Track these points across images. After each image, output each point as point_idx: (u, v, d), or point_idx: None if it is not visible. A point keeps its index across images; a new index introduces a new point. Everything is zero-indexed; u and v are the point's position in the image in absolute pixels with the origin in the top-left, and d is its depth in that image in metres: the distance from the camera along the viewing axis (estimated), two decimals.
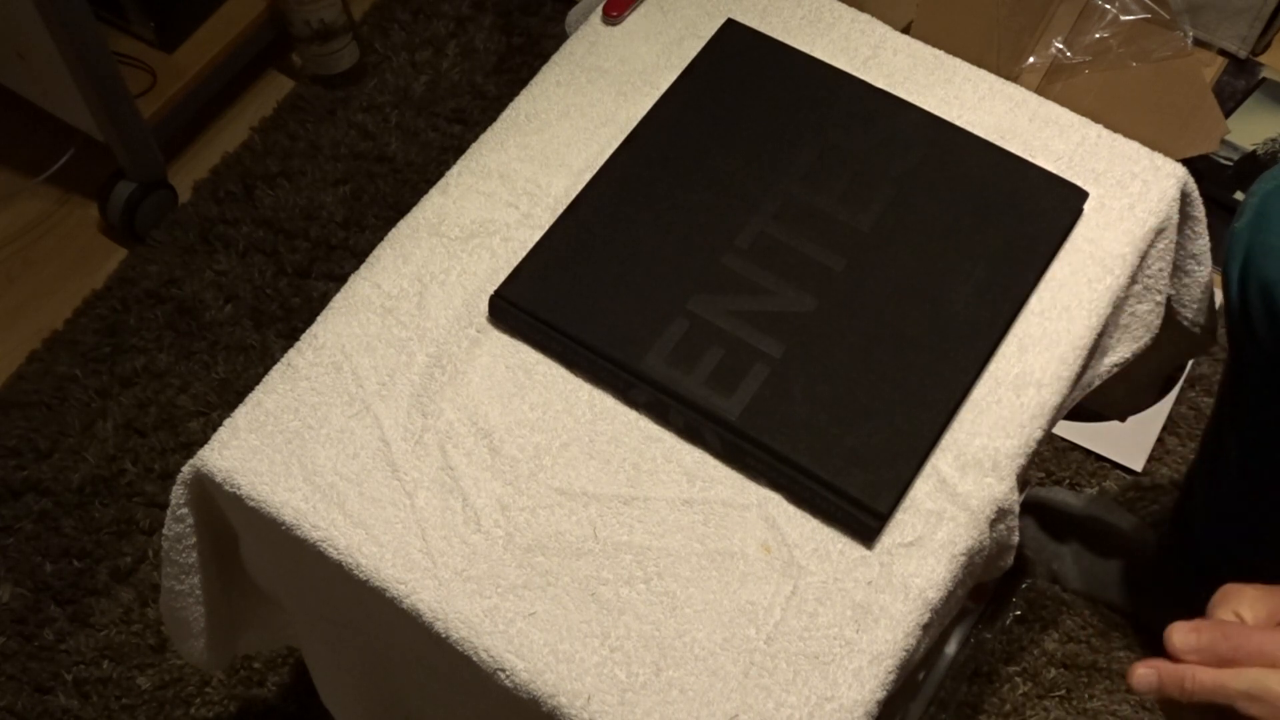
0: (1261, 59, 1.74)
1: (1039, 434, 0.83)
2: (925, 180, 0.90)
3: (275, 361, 0.87)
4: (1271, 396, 0.99)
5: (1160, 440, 1.45)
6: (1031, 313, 0.87)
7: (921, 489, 0.80)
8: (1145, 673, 0.65)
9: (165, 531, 0.87)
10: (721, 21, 0.98)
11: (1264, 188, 0.96)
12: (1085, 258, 0.89)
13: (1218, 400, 1.11)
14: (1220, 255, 0.96)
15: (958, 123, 0.93)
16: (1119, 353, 0.92)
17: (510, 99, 0.98)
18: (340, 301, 0.89)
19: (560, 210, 0.90)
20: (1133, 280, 0.90)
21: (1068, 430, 1.45)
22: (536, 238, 0.89)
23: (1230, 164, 1.63)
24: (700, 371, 0.82)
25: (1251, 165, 1.63)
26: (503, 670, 0.75)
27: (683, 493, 0.81)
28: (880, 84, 0.95)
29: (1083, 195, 0.90)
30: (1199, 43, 1.72)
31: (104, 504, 1.44)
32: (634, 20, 1.01)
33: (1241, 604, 0.66)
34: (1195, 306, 0.98)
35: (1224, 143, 1.64)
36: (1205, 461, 1.16)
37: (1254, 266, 0.94)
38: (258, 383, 0.86)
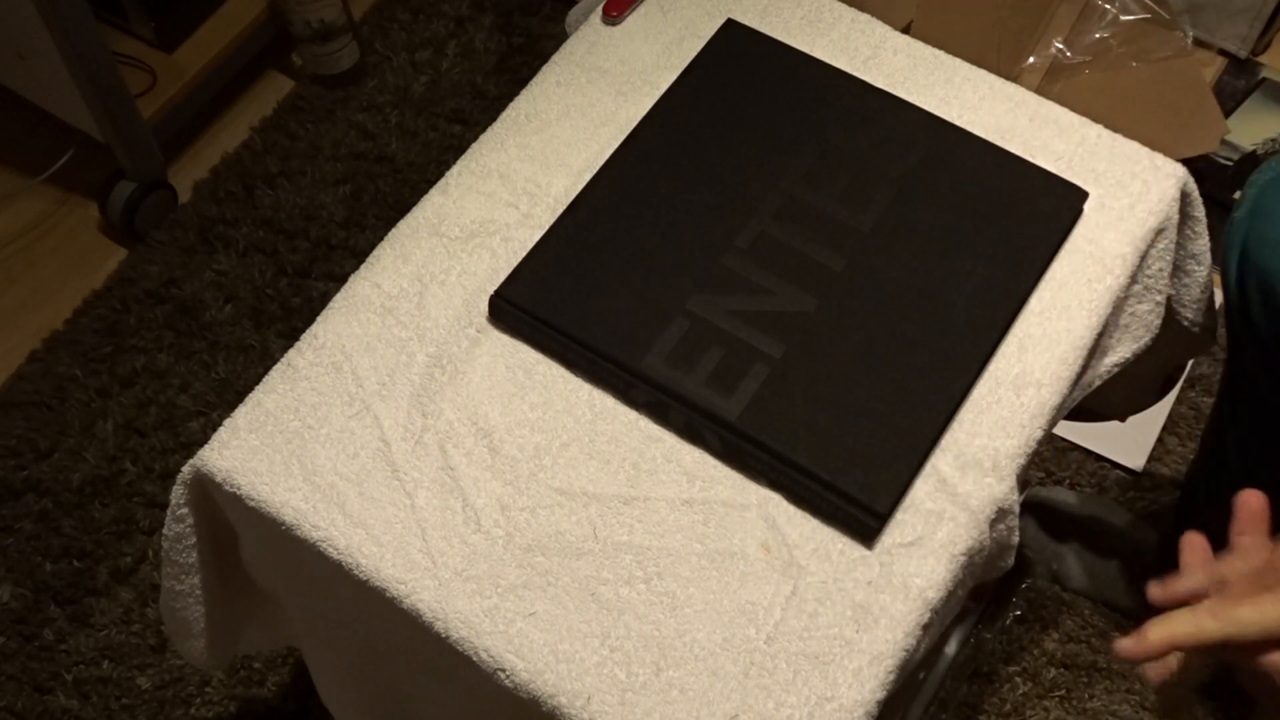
0: (1261, 59, 1.74)
1: (1039, 434, 0.83)
2: (925, 180, 0.90)
3: (275, 361, 0.87)
4: (1271, 388, 0.99)
5: (1160, 440, 1.45)
6: (1031, 313, 0.87)
7: (921, 489, 0.80)
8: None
9: (165, 531, 0.87)
10: (721, 21, 0.98)
11: (1263, 178, 0.96)
12: (1085, 258, 0.89)
13: (1218, 395, 1.11)
14: (1219, 245, 0.96)
15: (958, 123, 0.93)
16: (1119, 353, 0.92)
17: (510, 99, 0.98)
18: (340, 301, 0.89)
19: (560, 210, 0.90)
20: (1133, 280, 0.90)
21: (1068, 430, 1.45)
22: (536, 238, 0.89)
23: (1230, 164, 1.63)
24: (700, 371, 0.82)
25: (1251, 165, 1.62)
26: (503, 670, 0.75)
27: (683, 493, 0.81)
28: (880, 84, 0.95)
29: (1083, 195, 0.90)
30: (1199, 43, 1.72)
31: (104, 504, 1.44)
32: (634, 20, 1.01)
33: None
34: (1195, 306, 0.98)
35: (1224, 143, 1.64)
36: (1205, 457, 1.16)
37: (1251, 257, 0.94)
38: (258, 383, 0.86)
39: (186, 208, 1.66)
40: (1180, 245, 0.95)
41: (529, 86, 0.98)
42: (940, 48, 0.99)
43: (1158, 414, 1.46)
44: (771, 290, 0.86)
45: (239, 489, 0.81)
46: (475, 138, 0.96)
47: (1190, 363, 1.47)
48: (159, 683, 1.34)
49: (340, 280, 0.98)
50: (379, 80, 1.76)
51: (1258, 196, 0.95)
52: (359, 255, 1.55)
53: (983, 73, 0.97)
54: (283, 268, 1.60)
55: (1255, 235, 0.94)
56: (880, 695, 0.75)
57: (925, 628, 0.77)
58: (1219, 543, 1.16)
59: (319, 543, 0.79)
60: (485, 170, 0.93)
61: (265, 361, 1.53)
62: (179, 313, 1.57)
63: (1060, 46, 1.04)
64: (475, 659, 0.76)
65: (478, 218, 0.91)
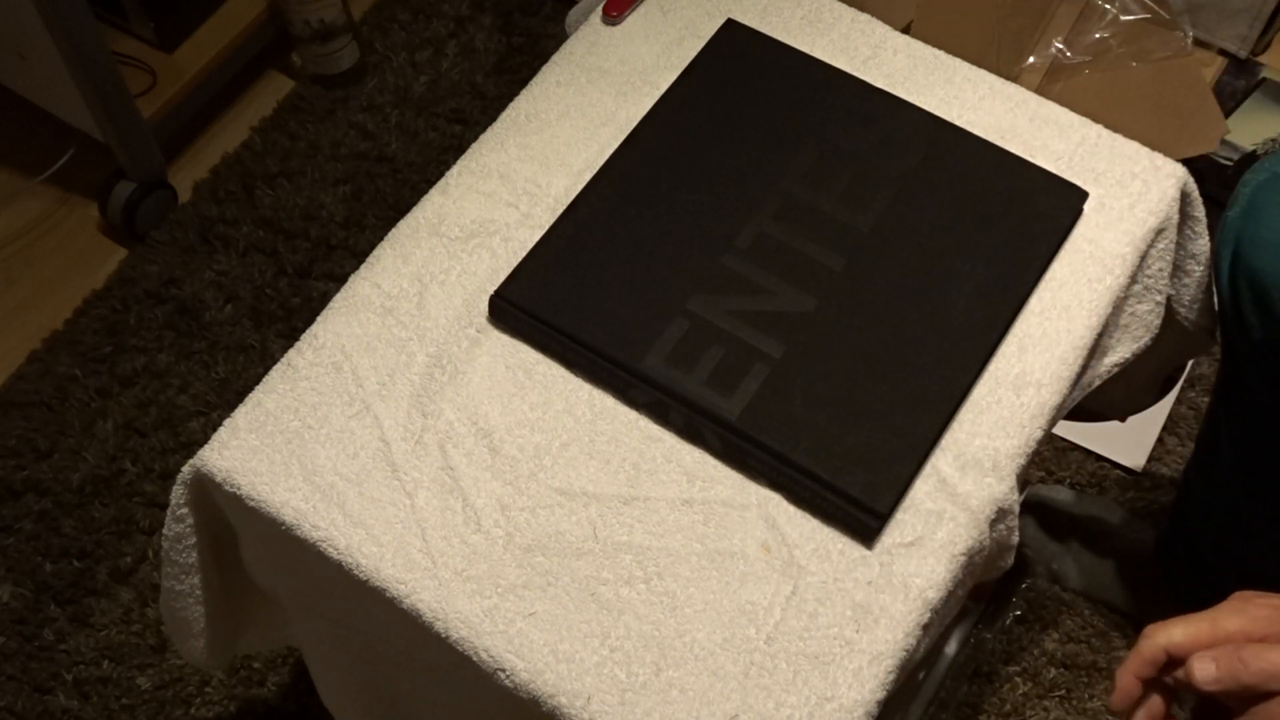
0: (1261, 59, 1.74)
1: (1039, 434, 0.83)
2: (925, 180, 0.90)
3: (275, 361, 0.87)
4: (1264, 388, 0.99)
5: (1160, 440, 1.45)
6: (1031, 313, 0.87)
7: (921, 489, 0.80)
8: (1205, 666, 0.64)
9: (165, 531, 0.87)
10: (721, 21, 0.98)
11: (1256, 178, 0.96)
12: (1085, 258, 0.89)
13: (1212, 395, 1.11)
14: (1213, 243, 0.96)
15: (958, 123, 0.93)
16: (1119, 353, 0.92)
17: (510, 99, 0.98)
18: (340, 301, 0.89)
19: (560, 210, 0.90)
20: (1133, 280, 0.90)
21: (1068, 430, 1.45)
22: (536, 238, 0.89)
23: (1230, 164, 1.63)
24: (700, 371, 0.82)
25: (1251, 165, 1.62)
26: (503, 670, 0.75)
27: (683, 493, 0.81)
28: (880, 84, 0.95)
29: (1083, 195, 0.90)
30: (1199, 43, 1.71)
31: (104, 504, 1.44)
32: (634, 20, 1.01)
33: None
34: (1195, 306, 0.98)
35: (1224, 143, 1.64)
36: (1201, 458, 1.16)
37: (1243, 257, 0.94)
38: (258, 383, 0.86)
39: (186, 208, 1.66)
40: (1180, 245, 0.95)
41: (529, 86, 0.98)
42: (940, 48, 0.99)
43: (1158, 414, 1.46)
44: (771, 290, 0.86)
45: (239, 489, 0.81)
46: (475, 138, 0.96)
47: (1190, 363, 1.47)
48: (159, 683, 1.34)
49: (340, 280, 0.98)
50: (379, 80, 1.76)
51: (1251, 197, 0.95)
52: (359, 255, 1.55)
53: (983, 73, 0.98)
54: (283, 268, 1.60)
55: (1247, 236, 0.94)
56: (880, 695, 0.75)
57: (925, 628, 0.77)
58: (1211, 546, 1.17)
59: (319, 543, 0.80)
60: (485, 170, 0.93)
61: (265, 361, 1.53)
62: (179, 313, 1.57)
63: (1060, 46, 1.04)
64: (475, 659, 0.76)
65: (478, 218, 0.91)
